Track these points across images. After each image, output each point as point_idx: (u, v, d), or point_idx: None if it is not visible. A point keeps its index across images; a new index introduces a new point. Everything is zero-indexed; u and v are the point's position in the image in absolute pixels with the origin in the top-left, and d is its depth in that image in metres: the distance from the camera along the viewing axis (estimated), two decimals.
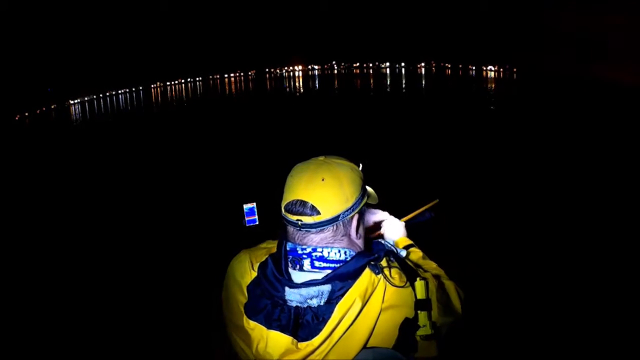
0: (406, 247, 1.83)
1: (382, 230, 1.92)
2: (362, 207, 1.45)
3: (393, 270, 1.36)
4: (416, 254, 1.80)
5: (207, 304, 2.20)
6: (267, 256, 1.45)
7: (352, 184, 1.41)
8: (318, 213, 1.35)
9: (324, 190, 1.36)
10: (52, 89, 45.19)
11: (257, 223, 1.77)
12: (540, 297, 4.81)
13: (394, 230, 1.91)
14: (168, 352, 4.29)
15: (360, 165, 1.55)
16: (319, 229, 1.37)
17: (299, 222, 1.36)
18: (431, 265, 1.74)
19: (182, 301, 4.91)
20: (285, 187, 1.43)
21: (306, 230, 1.37)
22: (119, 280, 5.68)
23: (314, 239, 1.38)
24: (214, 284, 1.68)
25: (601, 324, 4.32)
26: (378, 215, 1.96)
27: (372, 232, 1.99)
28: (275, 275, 1.37)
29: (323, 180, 1.37)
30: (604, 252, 5.76)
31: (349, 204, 1.38)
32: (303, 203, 1.36)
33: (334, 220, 1.36)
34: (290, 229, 1.41)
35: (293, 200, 1.37)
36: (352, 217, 1.41)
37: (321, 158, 1.46)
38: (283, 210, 1.41)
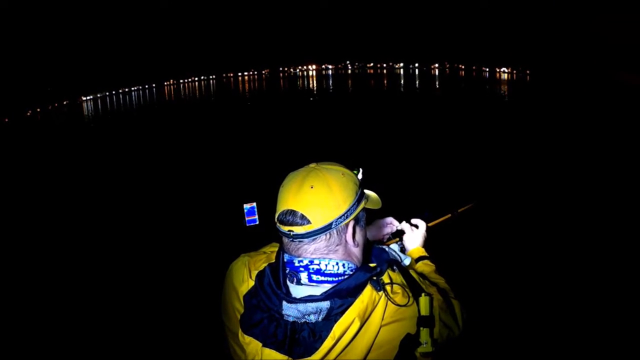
0: (420, 259, 1.83)
1: (404, 236, 1.94)
2: (358, 213, 1.37)
3: (395, 287, 1.30)
4: (427, 267, 1.78)
5: (207, 304, 2.15)
6: (265, 264, 1.40)
7: (344, 189, 1.33)
8: (308, 222, 1.29)
9: (313, 198, 1.29)
10: (51, 89, 45.58)
11: (258, 223, 1.73)
12: (549, 304, 4.74)
13: (411, 239, 1.92)
14: (168, 352, 4.27)
15: (361, 170, 1.48)
16: (312, 238, 1.31)
17: (291, 233, 1.31)
18: (439, 281, 1.70)
19: (182, 301, 4.89)
20: (278, 197, 1.37)
21: (299, 241, 1.31)
22: (119, 280, 5.67)
23: (308, 249, 1.32)
24: (214, 284, 1.63)
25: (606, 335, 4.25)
26: (390, 226, 2.01)
27: (388, 240, 1.98)
28: (272, 287, 1.31)
29: (312, 187, 1.30)
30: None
31: (342, 211, 1.31)
32: (293, 212, 1.30)
33: (326, 228, 1.30)
34: (285, 240, 1.36)
35: (284, 211, 1.32)
36: (346, 224, 1.34)
37: (312, 165, 1.40)
38: (276, 221, 1.36)
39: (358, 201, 1.37)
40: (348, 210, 1.33)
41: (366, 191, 1.47)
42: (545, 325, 4.40)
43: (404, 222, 1.99)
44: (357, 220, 1.38)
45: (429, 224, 2.05)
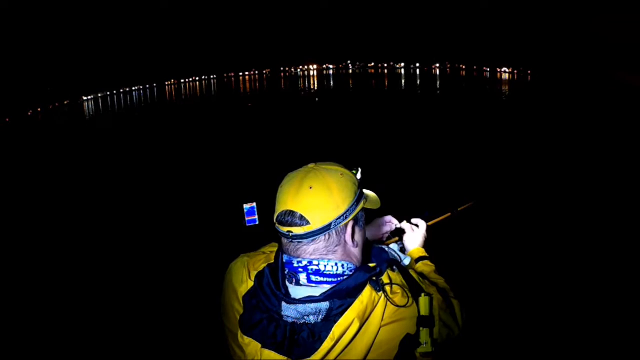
0: (419, 259, 1.83)
1: (404, 236, 1.94)
2: (357, 214, 1.37)
3: (395, 287, 1.30)
4: (427, 267, 1.78)
5: (206, 305, 2.15)
6: (265, 264, 1.40)
7: (344, 190, 1.33)
8: (308, 223, 1.28)
9: (312, 199, 1.29)
10: (51, 89, 45.72)
11: (258, 223, 1.72)
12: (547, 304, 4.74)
13: (411, 240, 1.92)
14: (168, 352, 4.26)
15: (359, 170, 1.48)
16: (311, 239, 1.30)
17: (290, 234, 1.30)
18: (439, 281, 1.69)
19: (182, 302, 4.87)
20: (276, 198, 1.37)
21: (298, 242, 1.31)
22: (119, 280, 5.66)
23: (307, 250, 1.31)
24: (214, 285, 1.63)
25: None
26: (389, 224, 2.01)
27: (388, 240, 1.98)
28: (272, 288, 1.31)
29: (311, 188, 1.30)
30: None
31: (341, 211, 1.31)
32: (292, 213, 1.30)
33: (325, 229, 1.29)
34: (284, 240, 1.35)
35: (283, 211, 1.32)
36: (345, 225, 1.33)
37: (311, 165, 1.40)
38: (275, 222, 1.35)
39: (357, 201, 1.37)
40: (347, 211, 1.33)
41: (365, 191, 1.47)
42: (545, 325, 4.40)
43: (404, 222, 1.99)
44: (356, 221, 1.38)
45: (429, 223, 2.05)
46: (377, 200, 1.52)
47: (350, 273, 1.32)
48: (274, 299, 1.29)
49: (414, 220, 2.00)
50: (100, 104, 45.72)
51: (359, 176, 1.45)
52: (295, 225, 1.29)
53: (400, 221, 2.01)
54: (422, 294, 1.30)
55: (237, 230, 1.92)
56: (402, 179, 8.84)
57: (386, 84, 49.37)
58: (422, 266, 1.79)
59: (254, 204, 1.72)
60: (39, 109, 40.72)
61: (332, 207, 1.30)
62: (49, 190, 10.68)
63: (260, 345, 1.26)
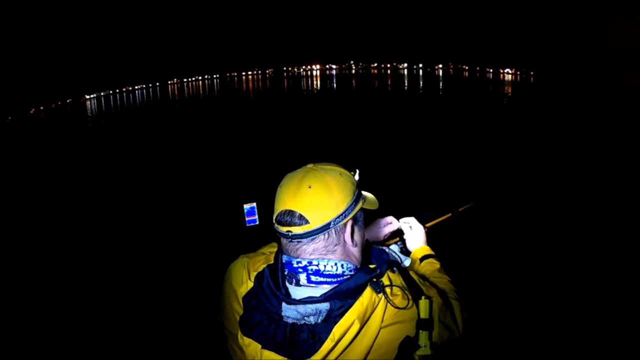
0: (424, 258, 1.80)
1: (404, 237, 1.91)
2: (356, 213, 1.37)
3: (395, 289, 1.29)
4: (432, 266, 1.76)
5: (206, 305, 2.15)
6: (265, 265, 1.40)
7: (343, 189, 1.33)
8: (307, 222, 1.28)
9: (311, 198, 1.29)
10: (50, 89, 45.71)
11: (258, 223, 1.71)
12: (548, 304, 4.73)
13: (414, 238, 1.89)
14: (168, 352, 4.27)
15: (357, 171, 1.48)
16: (310, 238, 1.30)
17: (289, 233, 1.30)
18: (443, 280, 1.68)
19: (182, 302, 4.88)
20: (275, 198, 1.37)
21: (297, 241, 1.31)
22: (119, 280, 5.66)
23: (307, 250, 1.31)
24: (214, 285, 1.62)
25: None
26: (390, 225, 1.97)
27: (389, 240, 1.96)
28: (271, 289, 1.31)
29: (310, 187, 1.30)
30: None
31: (340, 210, 1.31)
32: (291, 213, 1.30)
33: (324, 228, 1.29)
34: (283, 240, 1.35)
35: (282, 211, 1.32)
36: (345, 224, 1.33)
37: (310, 165, 1.40)
38: (274, 222, 1.35)
39: (356, 201, 1.37)
40: (346, 210, 1.33)
41: (363, 192, 1.47)
42: (546, 325, 4.40)
43: (401, 222, 1.98)
44: (355, 220, 1.38)
45: (430, 224, 2.04)
46: (375, 201, 1.52)
47: (351, 273, 1.32)
48: (274, 299, 1.29)
49: (402, 220, 1.98)
50: (103, 103, 45.71)
51: (356, 177, 1.45)
52: (295, 224, 1.29)
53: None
54: (422, 297, 1.30)
55: (237, 230, 1.92)
56: (403, 179, 8.85)
57: (389, 84, 49.37)
58: (426, 265, 1.77)
59: (254, 204, 1.72)
60: (41, 108, 40.70)
61: (331, 206, 1.30)
62: (50, 190, 10.69)
63: (260, 346, 1.26)
